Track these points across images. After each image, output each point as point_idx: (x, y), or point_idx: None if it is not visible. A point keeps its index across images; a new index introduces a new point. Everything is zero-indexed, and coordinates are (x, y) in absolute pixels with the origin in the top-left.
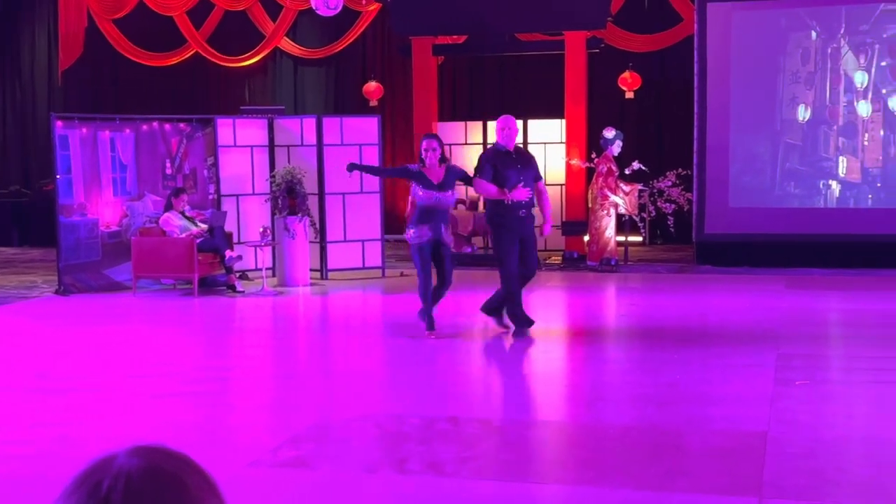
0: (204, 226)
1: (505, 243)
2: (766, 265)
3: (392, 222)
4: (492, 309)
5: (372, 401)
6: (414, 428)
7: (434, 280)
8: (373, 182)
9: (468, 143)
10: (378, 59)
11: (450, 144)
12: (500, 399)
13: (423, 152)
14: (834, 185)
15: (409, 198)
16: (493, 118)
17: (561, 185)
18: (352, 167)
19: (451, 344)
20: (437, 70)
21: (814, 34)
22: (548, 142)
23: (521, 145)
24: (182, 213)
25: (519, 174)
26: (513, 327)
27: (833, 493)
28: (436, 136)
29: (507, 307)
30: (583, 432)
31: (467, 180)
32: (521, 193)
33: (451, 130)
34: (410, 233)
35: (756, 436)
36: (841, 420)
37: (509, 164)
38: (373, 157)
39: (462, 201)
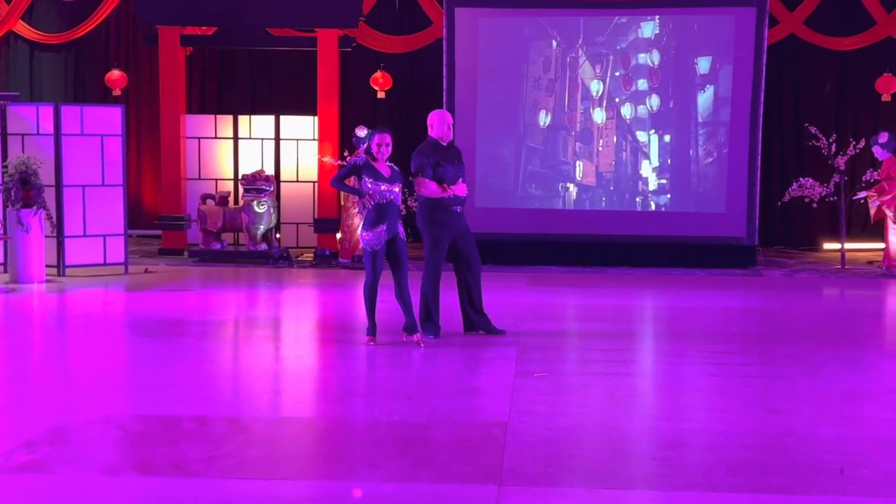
0: None
1: (442, 242)
2: (510, 263)
3: (136, 216)
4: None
5: (113, 402)
6: (158, 429)
7: (382, 283)
8: (116, 174)
9: (218, 138)
10: (122, 47)
11: (198, 138)
12: (248, 397)
13: (374, 147)
14: (571, 187)
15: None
16: (244, 112)
17: (313, 182)
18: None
19: (199, 343)
20: (186, 61)
21: (554, 43)
22: (300, 138)
23: (274, 141)
24: None
25: (456, 169)
26: (496, 330)
27: (567, 477)
28: (390, 132)
29: (423, 310)
30: (332, 427)
31: (407, 183)
32: (461, 189)
33: (199, 124)
34: (365, 235)
35: (497, 426)
36: (574, 409)
37: (448, 159)
38: (116, 149)
39: (211, 196)
